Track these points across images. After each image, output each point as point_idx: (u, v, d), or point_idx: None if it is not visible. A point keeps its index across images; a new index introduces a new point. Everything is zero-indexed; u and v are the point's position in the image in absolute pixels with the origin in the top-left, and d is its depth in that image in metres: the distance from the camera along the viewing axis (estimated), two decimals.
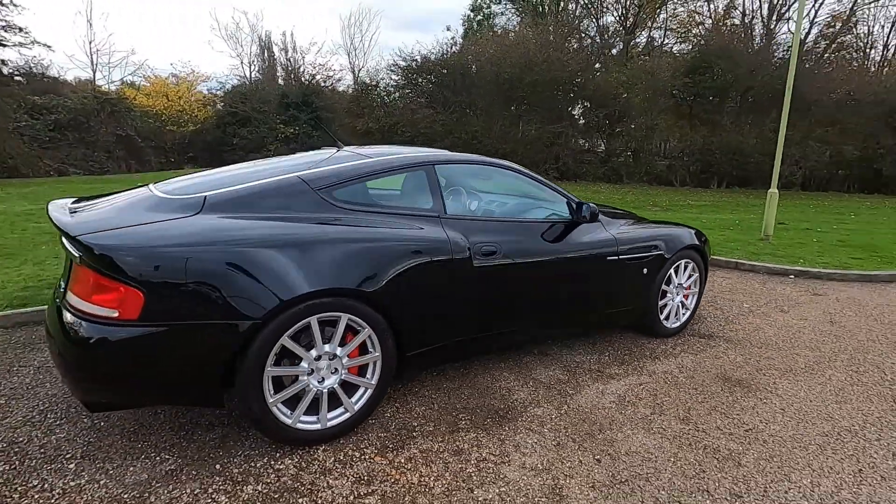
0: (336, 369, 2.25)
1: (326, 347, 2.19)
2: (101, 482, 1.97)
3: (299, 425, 2.18)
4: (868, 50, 26.08)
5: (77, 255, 1.94)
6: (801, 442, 2.45)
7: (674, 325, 3.75)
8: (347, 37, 37.19)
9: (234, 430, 2.34)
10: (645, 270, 3.40)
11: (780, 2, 24.16)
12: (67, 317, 1.96)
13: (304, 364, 2.16)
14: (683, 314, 3.84)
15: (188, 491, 1.94)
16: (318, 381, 2.21)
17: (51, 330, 2.09)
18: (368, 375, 2.35)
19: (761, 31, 24.34)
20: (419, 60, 20.10)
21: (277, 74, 23.33)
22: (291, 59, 22.78)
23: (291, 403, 2.17)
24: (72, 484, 1.95)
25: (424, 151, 2.93)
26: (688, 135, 20.57)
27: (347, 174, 2.51)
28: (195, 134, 24.04)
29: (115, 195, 2.57)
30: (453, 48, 22.88)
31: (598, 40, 25.87)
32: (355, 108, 20.89)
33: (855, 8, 25.15)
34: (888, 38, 26.21)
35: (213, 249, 1.99)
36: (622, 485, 2.08)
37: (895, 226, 11.30)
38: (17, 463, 2.07)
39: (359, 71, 27.37)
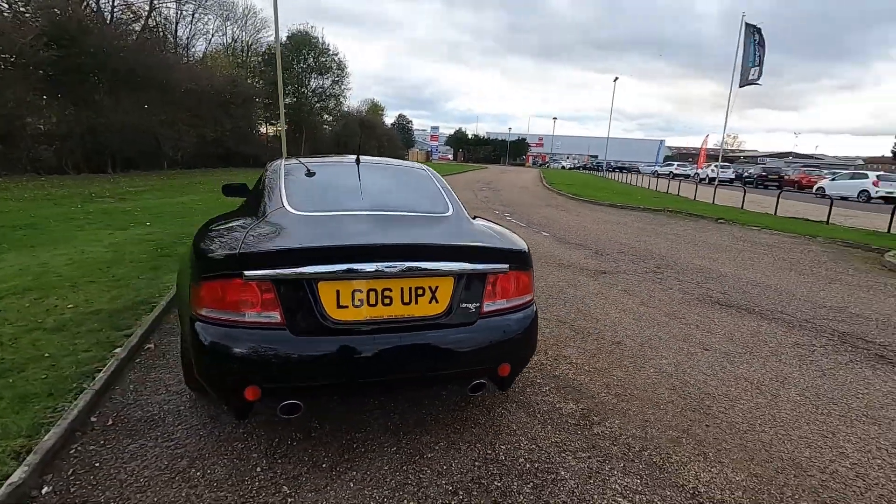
0: None
1: None
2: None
3: None
4: (183, 49, 30.91)
5: (504, 266, 2.30)
6: None
7: None
8: None
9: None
10: None
11: None
12: (504, 319, 2.31)
13: None
14: None
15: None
16: None
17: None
18: None
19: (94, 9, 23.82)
20: None
21: None
22: None
23: None
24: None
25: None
26: (70, 115, 18.48)
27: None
28: None
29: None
30: None
31: None
32: None
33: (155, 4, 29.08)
34: (189, 38, 32.13)
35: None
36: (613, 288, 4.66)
37: None
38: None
39: None
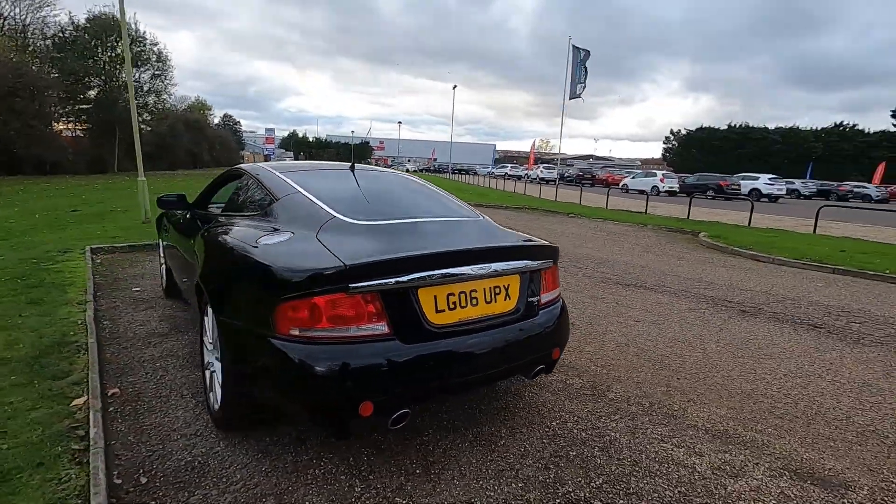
0: None
1: None
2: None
3: None
4: None
5: (550, 262, 2.58)
6: None
7: None
8: None
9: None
10: None
11: None
12: (557, 310, 2.59)
13: None
14: None
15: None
16: None
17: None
18: None
19: None
20: None
21: None
22: None
23: None
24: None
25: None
26: None
27: None
28: None
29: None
30: None
31: None
32: None
33: None
34: None
35: None
36: None
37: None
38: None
39: None
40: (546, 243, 2.65)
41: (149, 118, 34.64)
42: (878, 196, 34.74)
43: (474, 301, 2.22)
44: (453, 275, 2.11)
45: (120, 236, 7.79)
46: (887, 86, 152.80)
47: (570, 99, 18.94)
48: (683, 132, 69.29)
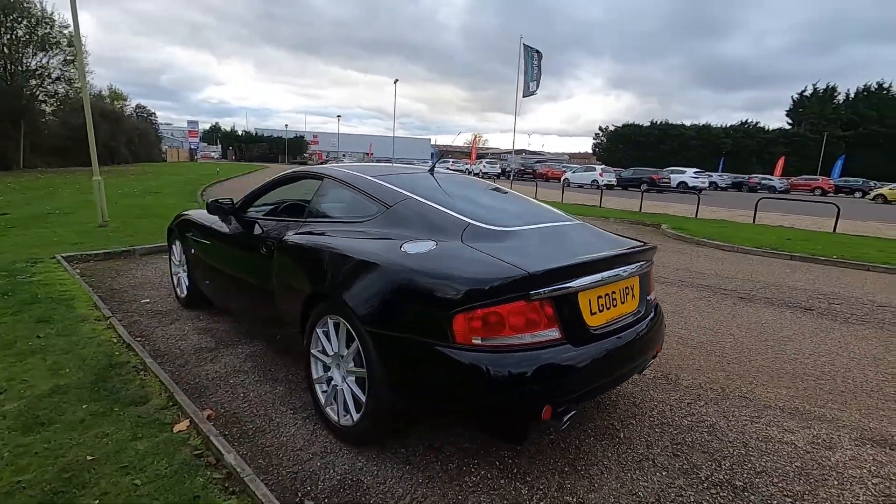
0: None
1: None
2: None
3: None
4: None
5: (651, 262, 2.73)
6: None
7: None
8: None
9: None
10: None
11: None
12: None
13: None
14: None
15: None
16: None
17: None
18: None
19: None
20: None
21: None
22: None
23: None
24: None
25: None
26: None
27: None
28: None
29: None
30: None
31: None
32: None
33: None
34: None
35: None
36: None
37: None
38: None
39: None
40: (652, 245, 2.80)
41: (58, 107, 31.30)
42: (781, 188, 38.77)
43: (614, 302, 2.33)
44: (607, 278, 2.21)
45: (83, 242, 7.07)
46: (781, 87, 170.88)
47: (525, 97, 19.45)
48: (611, 128, 73.27)
